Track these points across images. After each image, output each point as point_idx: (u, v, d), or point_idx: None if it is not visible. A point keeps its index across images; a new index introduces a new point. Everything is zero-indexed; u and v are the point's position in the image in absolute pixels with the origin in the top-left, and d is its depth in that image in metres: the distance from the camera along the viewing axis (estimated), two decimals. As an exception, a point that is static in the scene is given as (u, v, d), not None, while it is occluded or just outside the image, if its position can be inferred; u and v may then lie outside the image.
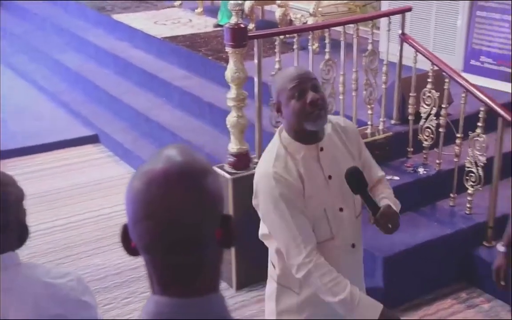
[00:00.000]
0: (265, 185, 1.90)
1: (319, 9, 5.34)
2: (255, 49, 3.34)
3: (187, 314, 0.95)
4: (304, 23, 5.32)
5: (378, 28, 5.12)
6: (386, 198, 1.99)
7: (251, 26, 5.94)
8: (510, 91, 4.33)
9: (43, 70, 7.04)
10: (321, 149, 1.94)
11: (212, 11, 6.84)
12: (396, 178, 3.66)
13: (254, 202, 1.98)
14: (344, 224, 1.96)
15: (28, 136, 5.50)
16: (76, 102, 6.17)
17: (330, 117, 2.00)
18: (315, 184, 1.91)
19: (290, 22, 5.65)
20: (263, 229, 2.04)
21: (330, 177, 1.94)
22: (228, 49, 3.32)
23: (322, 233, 1.93)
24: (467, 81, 3.52)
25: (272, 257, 2.07)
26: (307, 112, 1.86)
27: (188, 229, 0.94)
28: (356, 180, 1.88)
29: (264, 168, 1.92)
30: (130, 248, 0.98)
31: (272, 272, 2.08)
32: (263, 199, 1.92)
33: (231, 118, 3.40)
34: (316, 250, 1.88)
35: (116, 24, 6.89)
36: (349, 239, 1.99)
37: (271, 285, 2.10)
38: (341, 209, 1.95)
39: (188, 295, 0.96)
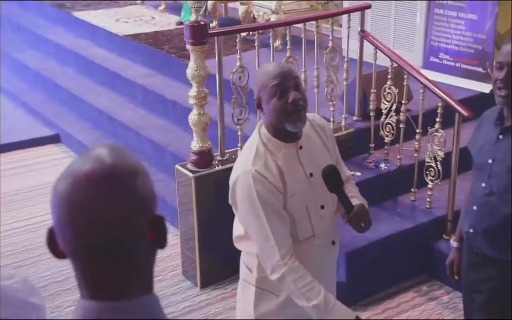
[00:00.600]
0: (243, 184, 1.86)
1: (282, 6, 5.36)
2: (216, 46, 3.33)
3: (116, 317, 0.93)
4: (266, 20, 5.33)
5: (340, 26, 5.18)
6: (354, 197, 2.01)
7: (214, 23, 5.93)
8: (468, 87, 4.43)
9: (2, 69, 6.87)
10: (300, 148, 1.93)
11: (175, 9, 6.79)
12: (358, 173, 3.70)
13: (230, 199, 1.94)
14: (325, 222, 1.97)
15: (-14, 137, 5.37)
16: (37, 101, 6.06)
17: (307, 114, 1.98)
18: (297, 182, 1.91)
19: (254, 19, 5.65)
20: (238, 231, 2.01)
21: (311, 174, 1.93)
22: (188, 47, 3.30)
23: (304, 231, 1.92)
24: (425, 77, 3.59)
25: (248, 260, 2.02)
26: (288, 112, 1.84)
27: (113, 233, 0.90)
28: (333, 179, 1.89)
29: (243, 166, 1.88)
30: (57, 252, 0.95)
31: (249, 276, 2.02)
32: (241, 197, 1.88)
33: (193, 116, 3.38)
34: (291, 253, 1.85)
35: (77, 22, 6.78)
36: (330, 237, 2.01)
37: (247, 289, 2.04)
38: (322, 207, 1.96)
39: (118, 298, 0.94)
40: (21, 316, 1.19)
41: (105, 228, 0.90)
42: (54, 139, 5.52)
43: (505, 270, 2.13)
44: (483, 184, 2.13)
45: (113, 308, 0.93)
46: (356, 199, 1.98)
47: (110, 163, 0.92)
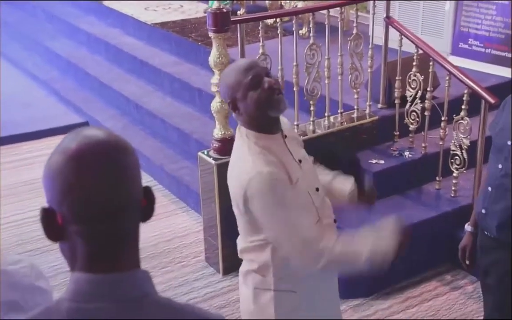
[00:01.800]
0: (261, 187, 1.78)
1: (309, -7, 5.31)
2: (238, 33, 3.33)
3: (110, 289, 0.96)
4: (294, 7, 5.29)
5: (368, 12, 5.10)
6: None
7: (241, 11, 5.92)
8: (498, 74, 4.33)
9: (35, 57, 7.03)
10: (285, 137, 1.93)
11: (203, -3, 6.81)
12: (382, 162, 3.66)
13: (240, 207, 1.85)
14: (324, 203, 1.99)
15: (19, 124, 5.51)
16: (67, 89, 6.17)
17: None
18: (294, 169, 1.90)
19: (281, 6, 5.62)
20: (244, 242, 1.96)
21: (300, 161, 1.94)
22: (211, 34, 3.32)
23: (312, 217, 1.91)
24: (451, 64, 3.52)
25: (259, 268, 1.95)
26: (268, 99, 1.83)
27: (121, 193, 0.96)
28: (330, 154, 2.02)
29: (249, 171, 1.80)
30: (56, 228, 0.97)
31: (263, 282, 1.96)
32: (262, 204, 1.80)
33: (215, 104, 3.40)
34: (322, 236, 1.84)
35: (107, 11, 6.86)
36: (331, 216, 2.02)
37: (261, 297, 1.98)
38: (317, 189, 1.96)
39: (111, 270, 0.97)
40: (29, 300, 1.22)
41: (115, 188, 0.96)
42: (83, 126, 5.60)
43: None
44: (500, 166, 2.13)
45: (107, 281, 0.96)
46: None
47: (110, 135, 1.00)
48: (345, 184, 2.05)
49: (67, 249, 1.00)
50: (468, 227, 2.41)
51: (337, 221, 2.04)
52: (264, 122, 1.86)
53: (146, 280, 1.01)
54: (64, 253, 1.02)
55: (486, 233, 2.23)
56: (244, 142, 1.88)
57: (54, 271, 3.57)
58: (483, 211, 2.20)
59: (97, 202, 0.95)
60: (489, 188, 2.17)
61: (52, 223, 0.98)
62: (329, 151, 2.11)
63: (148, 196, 1.03)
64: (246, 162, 1.83)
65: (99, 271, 0.97)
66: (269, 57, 3.40)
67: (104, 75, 5.90)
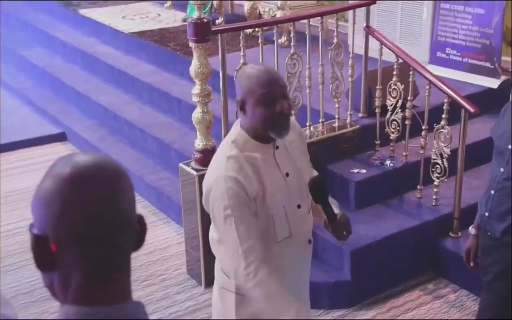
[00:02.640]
0: (216, 191, 1.82)
1: (288, 2, 5.33)
2: (219, 43, 3.31)
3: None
4: (272, 16, 5.30)
5: (346, 21, 5.13)
6: (332, 204, 1.99)
7: (220, 20, 5.90)
8: (474, 83, 4.38)
9: (8, 67, 6.89)
10: (277, 148, 1.92)
11: (181, 5, 6.75)
12: (363, 171, 3.67)
13: (204, 205, 1.92)
14: (302, 221, 1.96)
15: (-7, 135, 5.39)
16: (43, 99, 6.07)
17: None
18: (275, 182, 1.89)
19: (259, 15, 5.62)
20: (214, 235, 1.98)
21: (287, 174, 1.92)
22: (191, 44, 3.29)
23: (282, 232, 1.90)
24: (431, 73, 3.55)
25: (225, 266, 1.97)
26: (274, 122, 1.83)
27: (119, 213, 0.96)
28: (322, 191, 1.90)
29: (217, 172, 1.84)
30: (48, 256, 0.94)
31: (226, 283, 1.98)
32: (216, 205, 1.83)
33: (196, 114, 3.36)
34: (257, 263, 1.78)
35: (83, 19, 6.78)
36: (306, 235, 2.00)
37: (226, 297, 2.00)
38: (299, 206, 1.94)
39: (103, 302, 0.94)
40: None
41: (116, 208, 0.95)
42: (60, 137, 5.52)
43: None
44: (502, 169, 2.17)
45: (97, 314, 0.93)
46: (335, 207, 1.98)
47: (107, 158, 0.99)
48: (331, 215, 1.96)
49: (57, 279, 0.96)
50: (472, 230, 2.43)
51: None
52: (262, 135, 1.88)
53: (138, 312, 0.98)
54: (53, 286, 0.97)
55: (489, 234, 2.26)
56: (231, 140, 1.89)
57: (31, 287, 3.49)
58: (487, 214, 2.24)
59: (95, 221, 0.93)
60: (492, 191, 2.21)
61: (44, 251, 0.94)
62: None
63: (140, 224, 1.01)
64: (219, 162, 1.87)
65: (90, 303, 0.93)
66: (250, 67, 3.38)
67: (81, 84, 5.82)
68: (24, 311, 3.34)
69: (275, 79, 1.85)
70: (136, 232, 0.99)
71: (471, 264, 2.44)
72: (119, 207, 0.95)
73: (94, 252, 0.94)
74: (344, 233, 1.98)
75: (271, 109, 1.82)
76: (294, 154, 1.97)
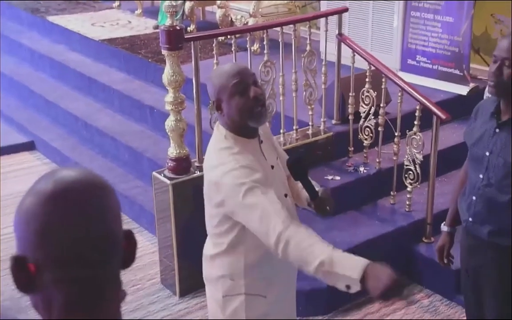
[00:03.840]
0: (233, 177, 1.82)
1: (260, 9, 5.33)
2: (192, 51, 3.28)
3: None
4: (245, 24, 5.30)
5: (318, 29, 5.16)
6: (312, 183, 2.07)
7: (191, 27, 5.87)
8: (445, 89, 4.45)
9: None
10: (261, 142, 1.98)
11: (152, 13, 6.72)
12: (337, 178, 3.68)
13: (216, 197, 1.88)
14: (291, 209, 2.02)
15: (-42, 145, 5.24)
16: (10, 108, 5.93)
17: None
18: (267, 174, 1.94)
19: (231, 23, 5.61)
20: (214, 248, 1.99)
21: (272, 166, 1.99)
22: (164, 52, 3.25)
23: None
24: (403, 80, 3.59)
25: (230, 272, 1.98)
26: (251, 109, 1.87)
27: (102, 233, 0.91)
28: (301, 167, 1.98)
29: (228, 164, 1.85)
30: (27, 277, 0.90)
31: (233, 288, 1.98)
32: (230, 187, 1.82)
33: (170, 122, 3.33)
34: (290, 219, 1.79)
35: (52, 26, 6.66)
36: (298, 221, 2.02)
37: (232, 303, 2.00)
38: (285, 195, 2.02)
39: None
40: None
41: (97, 229, 0.90)
42: (28, 146, 5.40)
43: (505, 254, 2.16)
44: (481, 176, 2.17)
45: None
46: (315, 185, 2.05)
47: (92, 173, 0.95)
48: (312, 191, 2.04)
49: (40, 301, 0.92)
50: (444, 227, 2.45)
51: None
52: (243, 128, 1.92)
53: None
54: (38, 307, 0.93)
55: (475, 235, 2.24)
56: (221, 139, 1.93)
57: (19, 294, 3.39)
58: (470, 219, 2.23)
59: (77, 242, 0.88)
60: (473, 197, 2.20)
61: (22, 272, 0.90)
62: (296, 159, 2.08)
63: (128, 240, 0.97)
64: (224, 159, 1.88)
65: None
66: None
67: (50, 92, 5.71)
68: (31, 313, 3.24)
69: (243, 68, 1.94)
70: (121, 250, 0.95)
71: (445, 261, 2.45)
72: (103, 226, 0.91)
73: (76, 273, 0.90)
74: (328, 208, 2.01)
75: (245, 96, 1.87)
76: (272, 147, 2.05)
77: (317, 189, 2.01)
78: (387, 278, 1.60)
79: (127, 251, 0.96)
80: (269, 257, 1.92)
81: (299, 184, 2.07)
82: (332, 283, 1.71)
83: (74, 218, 0.89)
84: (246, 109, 1.87)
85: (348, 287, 1.67)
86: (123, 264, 0.96)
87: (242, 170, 1.83)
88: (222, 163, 1.88)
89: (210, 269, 2.06)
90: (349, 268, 1.67)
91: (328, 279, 1.72)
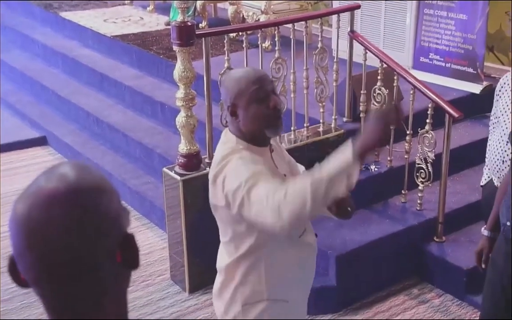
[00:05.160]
0: (238, 167, 1.75)
1: (271, 6, 5.32)
2: (203, 47, 3.28)
3: None
4: (256, 20, 5.29)
5: (330, 26, 5.14)
6: None
7: (203, 24, 5.87)
8: (457, 88, 4.41)
9: (-12, 70, 6.78)
10: (272, 151, 1.93)
11: (164, 9, 6.73)
12: (348, 175, 3.66)
13: (224, 194, 1.77)
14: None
15: (-28, 140, 5.28)
16: (23, 103, 5.97)
17: None
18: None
19: (243, 19, 5.61)
20: (231, 255, 1.89)
21: (285, 175, 1.93)
22: (175, 48, 3.25)
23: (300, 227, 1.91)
24: (415, 78, 3.56)
25: (253, 277, 1.89)
26: (269, 118, 1.81)
27: (77, 254, 0.85)
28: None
29: (234, 161, 1.77)
30: (20, 281, 0.90)
31: (254, 295, 1.90)
32: (236, 178, 1.73)
33: (180, 118, 3.33)
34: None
35: (64, 22, 6.70)
36: (312, 230, 2.02)
37: (253, 311, 1.92)
38: None
39: None
40: None
41: (68, 251, 0.85)
42: (41, 142, 5.44)
43: None
44: None
45: None
46: None
47: (73, 180, 0.88)
48: None
49: (38, 298, 0.91)
50: (484, 231, 2.39)
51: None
52: (257, 136, 1.86)
53: None
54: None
55: None
56: (231, 147, 1.83)
57: (10, 295, 3.41)
58: (509, 223, 2.18)
59: (42, 265, 0.85)
60: None
61: (17, 275, 0.89)
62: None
63: (127, 245, 0.91)
64: (232, 156, 1.80)
65: None
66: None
67: (62, 88, 5.74)
68: (23, 313, 3.28)
69: (263, 75, 1.86)
70: (114, 261, 0.90)
71: (483, 265, 2.39)
72: (75, 248, 0.85)
73: (57, 292, 0.88)
74: (349, 209, 1.93)
75: (264, 105, 1.80)
76: (282, 155, 2.01)
77: None
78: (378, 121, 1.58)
79: (125, 259, 0.91)
80: (290, 259, 1.90)
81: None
82: (334, 191, 1.59)
83: (43, 239, 0.85)
84: (264, 118, 1.81)
85: (349, 177, 1.56)
86: (127, 266, 0.93)
87: (241, 166, 1.75)
88: (228, 160, 1.79)
89: (226, 281, 1.95)
90: (339, 159, 1.58)
91: (330, 191, 1.58)
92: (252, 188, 1.69)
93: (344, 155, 1.59)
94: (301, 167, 2.12)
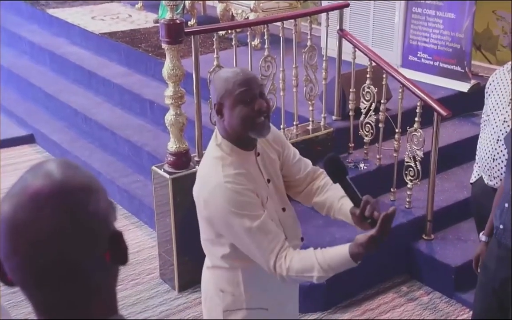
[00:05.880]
0: (219, 198, 1.75)
1: (260, 4, 5.31)
2: (192, 45, 3.27)
3: None
4: (245, 18, 5.28)
5: (319, 24, 5.14)
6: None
7: (192, 21, 5.86)
8: (445, 86, 4.43)
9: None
10: (258, 154, 1.90)
11: (152, 6, 6.69)
12: (337, 174, 3.66)
13: (204, 213, 1.82)
14: (290, 223, 1.95)
15: (-42, 138, 5.23)
16: (10, 100, 5.92)
17: None
18: (262, 188, 1.87)
19: (232, 17, 5.59)
20: (213, 260, 1.92)
21: (268, 180, 1.91)
22: (164, 46, 3.24)
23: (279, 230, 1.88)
24: (404, 76, 3.57)
25: (232, 286, 1.90)
26: (253, 120, 1.79)
27: (64, 255, 0.84)
28: (338, 167, 1.73)
29: (215, 180, 1.78)
30: (7, 281, 0.88)
31: (234, 303, 1.91)
32: (220, 211, 1.76)
33: (169, 117, 3.31)
34: (285, 248, 1.76)
35: (52, 19, 6.65)
36: (297, 235, 1.99)
37: (234, 315, 1.92)
38: (283, 209, 1.94)
39: None
40: None
41: (54, 251, 0.83)
42: (28, 140, 5.39)
43: None
44: None
45: None
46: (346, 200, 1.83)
47: (59, 179, 0.86)
48: (355, 197, 1.77)
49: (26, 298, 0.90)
50: (482, 237, 2.42)
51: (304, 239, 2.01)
52: (242, 138, 1.84)
53: None
54: None
55: (504, 245, 2.22)
56: (216, 150, 1.85)
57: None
58: (501, 226, 2.20)
59: (37, 268, 0.84)
60: (506, 205, 2.17)
61: (4, 275, 0.88)
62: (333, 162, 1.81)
63: (116, 243, 0.90)
64: (213, 169, 1.81)
65: None
66: (224, 68, 3.34)
67: (50, 86, 5.69)
68: (10, 312, 3.22)
69: (252, 78, 1.84)
70: (103, 262, 0.89)
71: (479, 270, 2.41)
72: (62, 250, 0.83)
73: (44, 295, 0.87)
74: (375, 213, 1.68)
75: (249, 107, 1.79)
76: (271, 159, 1.95)
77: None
78: (367, 243, 1.69)
79: (114, 254, 0.90)
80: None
81: (332, 195, 1.93)
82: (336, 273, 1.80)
83: (28, 242, 0.83)
84: (248, 119, 1.78)
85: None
86: (117, 263, 0.92)
87: (230, 190, 1.74)
88: (210, 176, 1.80)
89: (209, 282, 1.97)
90: (342, 263, 1.75)
91: (331, 275, 1.79)
92: (245, 235, 1.76)
93: (346, 260, 1.74)
94: (308, 162, 2.05)
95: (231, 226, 1.77)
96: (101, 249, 0.88)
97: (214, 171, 1.80)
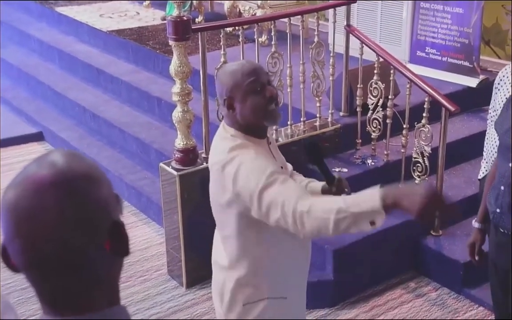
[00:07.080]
0: (247, 171, 1.74)
1: (268, 1, 5.31)
2: (199, 42, 3.27)
3: None
4: (252, 15, 5.28)
5: (326, 20, 5.13)
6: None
7: (199, 18, 5.86)
8: (454, 82, 4.41)
9: (-17, 66, 6.75)
10: (270, 143, 1.95)
11: (160, 4, 6.70)
12: (345, 170, 3.66)
13: (234, 190, 1.78)
14: None
15: (-32, 136, 5.27)
16: (19, 99, 5.96)
17: None
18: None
19: (240, 14, 5.59)
20: (231, 255, 1.90)
21: (282, 167, 1.94)
22: (171, 43, 3.24)
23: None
24: (411, 72, 3.56)
25: (254, 277, 1.90)
26: (266, 108, 1.83)
27: (65, 242, 0.86)
28: (318, 151, 1.97)
29: (241, 158, 1.78)
30: (11, 265, 0.90)
31: (254, 294, 1.91)
32: (247, 183, 1.74)
33: (177, 113, 3.32)
34: (307, 196, 1.75)
35: (60, 17, 6.68)
36: None
37: (254, 311, 1.92)
38: None
39: (80, 312, 0.89)
40: None
41: (56, 238, 0.85)
42: (37, 137, 5.43)
43: None
44: (510, 164, 2.13)
45: None
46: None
47: (61, 168, 0.88)
48: (330, 176, 1.99)
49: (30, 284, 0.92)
50: (475, 224, 2.40)
51: None
52: (256, 128, 1.87)
53: (122, 317, 0.92)
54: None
55: (502, 230, 2.21)
56: (230, 139, 1.84)
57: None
58: (498, 210, 2.19)
59: (39, 253, 0.86)
60: (502, 187, 2.16)
61: (8, 260, 0.90)
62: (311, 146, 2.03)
63: (117, 233, 0.91)
64: (238, 151, 1.81)
65: (65, 314, 0.88)
66: (231, 65, 3.35)
67: (58, 83, 5.72)
68: (20, 309, 3.27)
69: (258, 67, 1.88)
70: (102, 251, 0.90)
71: (476, 258, 2.40)
72: (63, 237, 0.85)
73: (46, 280, 0.88)
74: (346, 190, 1.97)
75: (261, 96, 1.82)
76: (277, 150, 2.02)
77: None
78: (426, 192, 1.55)
79: (114, 244, 0.91)
80: (287, 255, 1.91)
81: (311, 183, 2.05)
82: (357, 227, 1.64)
83: (30, 227, 0.85)
84: (261, 108, 1.82)
85: (372, 223, 1.62)
86: (117, 253, 0.93)
87: (256, 163, 1.76)
88: (233, 157, 1.79)
89: (226, 280, 1.94)
90: (367, 201, 1.61)
91: (352, 226, 1.63)
92: (271, 188, 1.72)
93: (373, 199, 1.60)
94: (289, 166, 2.13)
95: (257, 185, 1.72)
96: (101, 238, 0.89)
97: (242, 150, 1.80)
